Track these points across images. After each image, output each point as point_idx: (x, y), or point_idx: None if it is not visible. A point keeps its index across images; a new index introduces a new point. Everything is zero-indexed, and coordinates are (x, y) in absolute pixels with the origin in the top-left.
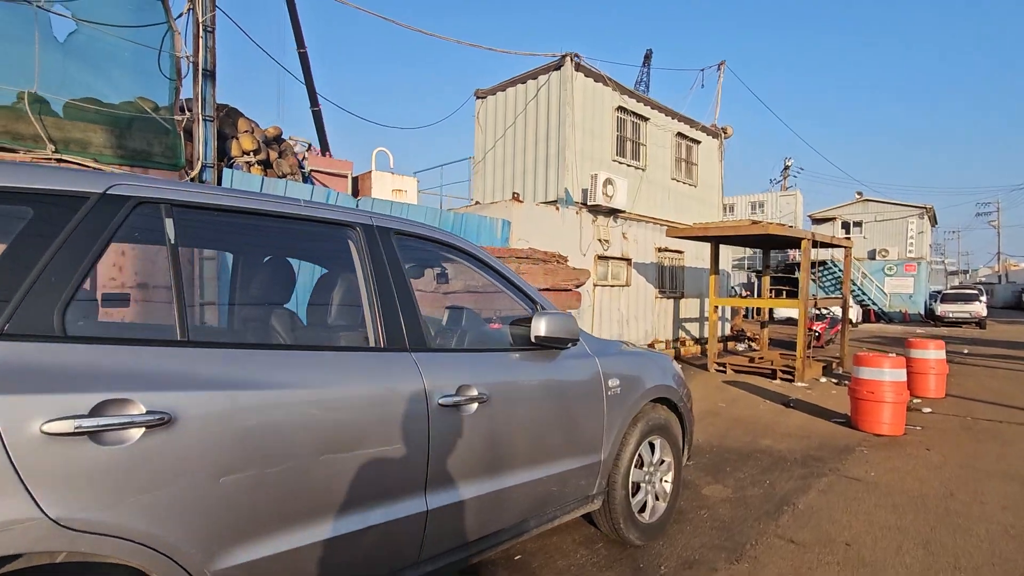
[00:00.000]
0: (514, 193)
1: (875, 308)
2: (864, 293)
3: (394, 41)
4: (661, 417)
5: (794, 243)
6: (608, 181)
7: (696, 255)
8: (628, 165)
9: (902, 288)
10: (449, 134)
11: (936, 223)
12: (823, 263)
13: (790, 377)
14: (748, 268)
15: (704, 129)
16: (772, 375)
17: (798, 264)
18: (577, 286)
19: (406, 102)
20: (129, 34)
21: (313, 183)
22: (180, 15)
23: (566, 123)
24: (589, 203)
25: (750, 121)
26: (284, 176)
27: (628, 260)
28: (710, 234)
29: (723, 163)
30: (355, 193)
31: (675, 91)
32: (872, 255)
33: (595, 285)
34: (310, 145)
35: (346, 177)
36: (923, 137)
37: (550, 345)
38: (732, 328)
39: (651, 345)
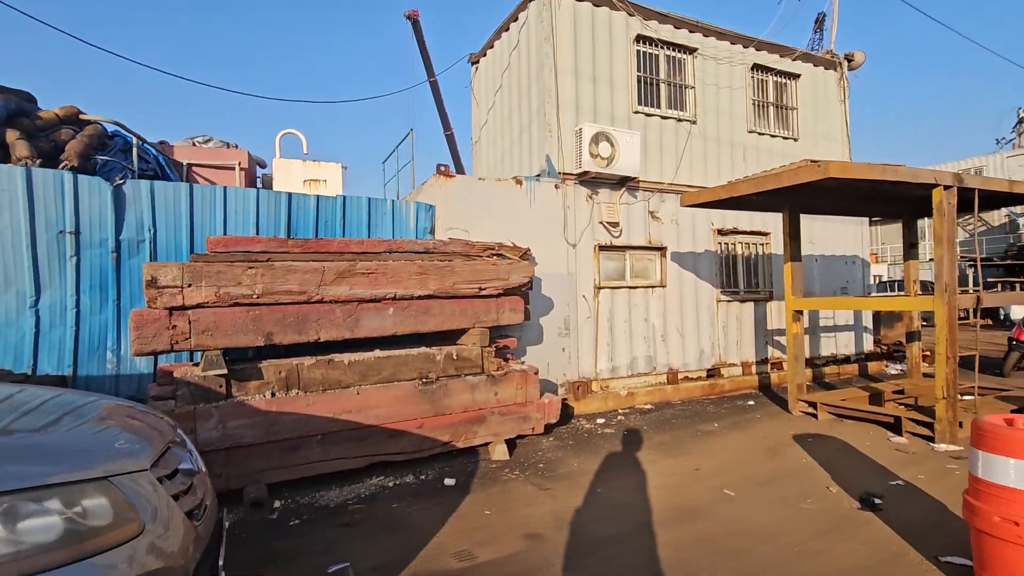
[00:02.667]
0: (439, 166)
1: None
2: None
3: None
4: None
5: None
6: (600, 137)
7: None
8: (664, 117)
9: None
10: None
11: None
12: None
13: (928, 432)
14: (962, 258)
15: (807, 58)
16: (896, 427)
17: None
18: (508, 289)
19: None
20: None
21: (172, 175)
22: None
23: (544, 68)
24: (575, 171)
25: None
26: (20, 160)
27: (661, 250)
28: (740, 193)
29: (847, 104)
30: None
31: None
32: None
33: (598, 288)
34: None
35: (233, 169)
36: None
37: None
38: (879, 343)
39: (714, 371)
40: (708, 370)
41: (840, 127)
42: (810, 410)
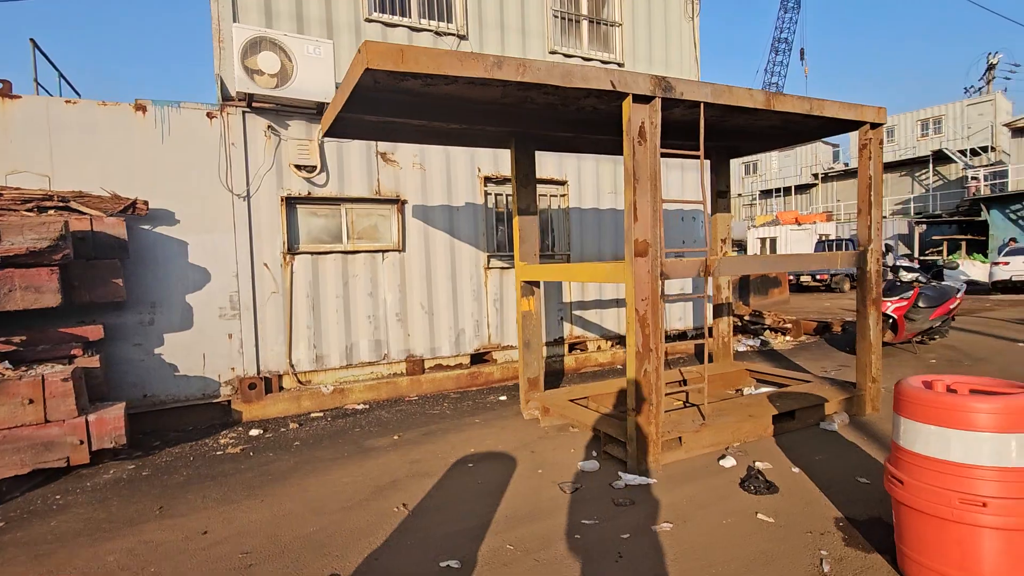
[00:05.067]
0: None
1: None
2: None
3: None
4: None
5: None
6: (261, 44)
7: (606, 186)
8: (415, 29)
9: None
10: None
11: None
12: None
13: (620, 446)
14: (916, 215)
15: None
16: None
17: (988, 198)
18: (7, 258)
19: None
20: None
21: None
22: None
23: None
24: (236, 93)
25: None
26: None
27: (398, 203)
28: (336, 109)
29: (697, 21)
30: None
31: None
32: None
33: (290, 253)
34: None
35: None
36: None
37: None
38: (739, 314)
39: (484, 357)
40: (474, 355)
41: (688, 51)
42: (536, 414)
